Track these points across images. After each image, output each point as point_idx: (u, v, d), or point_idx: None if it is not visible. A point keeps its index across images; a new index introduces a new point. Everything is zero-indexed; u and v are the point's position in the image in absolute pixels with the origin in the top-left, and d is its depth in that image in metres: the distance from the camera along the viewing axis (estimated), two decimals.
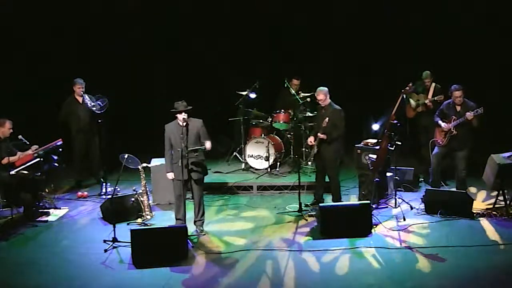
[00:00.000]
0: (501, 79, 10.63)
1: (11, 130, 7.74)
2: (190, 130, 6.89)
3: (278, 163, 9.51)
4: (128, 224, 7.42)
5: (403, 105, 8.94)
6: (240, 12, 11.57)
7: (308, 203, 8.05)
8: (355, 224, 6.88)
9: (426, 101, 8.85)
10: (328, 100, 7.71)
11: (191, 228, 7.06)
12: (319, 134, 7.66)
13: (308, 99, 9.62)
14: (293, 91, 9.69)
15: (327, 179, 7.98)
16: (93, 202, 8.51)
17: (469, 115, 7.67)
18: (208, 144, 6.93)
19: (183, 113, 6.80)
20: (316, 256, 6.34)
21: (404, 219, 7.36)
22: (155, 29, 11.67)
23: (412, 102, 9.10)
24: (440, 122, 8.05)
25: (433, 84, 8.99)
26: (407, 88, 7.91)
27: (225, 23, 11.65)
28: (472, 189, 8.46)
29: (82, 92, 8.94)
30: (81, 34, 11.30)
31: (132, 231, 6.32)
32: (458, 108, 7.94)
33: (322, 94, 7.68)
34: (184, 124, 6.83)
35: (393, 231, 7.01)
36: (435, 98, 8.65)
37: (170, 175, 7.03)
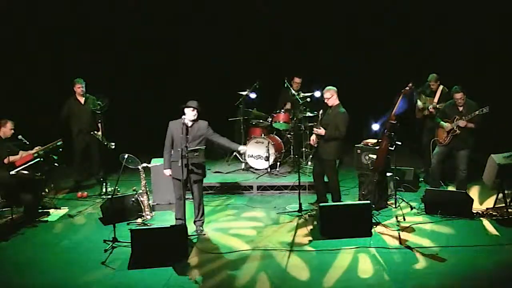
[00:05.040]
0: (501, 79, 10.64)
1: (13, 131, 7.74)
2: (194, 131, 6.87)
3: (278, 163, 9.51)
4: (128, 224, 7.42)
5: (412, 105, 8.95)
6: (240, 12, 11.59)
7: (311, 203, 8.08)
8: (355, 224, 6.87)
9: (430, 107, 8.85)
10: (337, 101, 7.64)
11: (191, 228, 7.06)
12: (315, 129, 7.65)
13: (308, 99, 9.63)
14: (293, 91, 9.69)
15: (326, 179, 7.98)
16: (93, 202, 8.52)
17: (462, 122, 7.74)
18: (240, 148, 7.30)
19: (192, 109, 6.77)
20: (316, 256, 6.35)
21: (404, 219, 7.36)
22: (155, 29, 11.67)
23: (419, 103, 9.09)
24: (442, 122, 8.07)
25: (441, 87, 8.95)
26: (407, 88, 7.91)
27: (225, 23, 11.66)
28: (472, 189, 8.47)
29: (82, 92, 8.95)
30: (81, 33, 11.31)
31: (132, 231, 6.31)
32: (461, 108, 7.95)
33: (328, 92, 7.62)
34: (189, 124, 6.82)
35: (393, 231, 7.01)
36: (438, 106, 8.68)
37: (168, 172, 7.02)
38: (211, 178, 8.94)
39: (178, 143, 6.80)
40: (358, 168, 8.13)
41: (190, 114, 6.81)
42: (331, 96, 7.61)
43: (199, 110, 6.83)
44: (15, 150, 7.69)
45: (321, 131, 7.57)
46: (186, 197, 7.12)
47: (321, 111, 7.86)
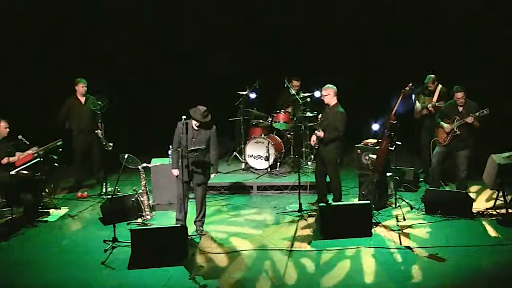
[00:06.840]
0: (501, 78, 10.64)
1: (8, 129, 7.70)
2: (201, 134, 6.86)
3: (278, 163, 9.50)
4: (128, 224, 7.42)
5: (411, 105, 8.96)
6: (240, 11, 11.59)
7: (311, 202, 8.09)
8: (355, 224, 6.87)
9: (429, 106, 8.86)
10: (334, 101, 7.64)
11: (191, 228, 7.06)
12: (316, 131, 7.66)
13: (308, 99, 9.63)
14: (293, 91, 9.69)
15: (327, 179, 7.98)
16: (93, 202, 8.52)
17: (470, 119, 7.71)
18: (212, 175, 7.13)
19: (196, 122, 6.78)
20: (316, 256, 6.35)
21: (404, 219, 7.36)
22: (155, 29, 11.67)
23: (418, 104, 9.09)
24: (442, 123, 8.07)
25: (439, 87, 8.96)
26: (407, 88, 7.91)
27: (225, 22, 11.66)
28: (473, 189, 8.47)
29: (85, 91, 8.95)
30: (82, 32, 11.31)
31: (132, 231, 6.31)
32: (460, 108, 7.95)
33: (326, 90, 7.62)
34: (196, 128, 6.83)
35: (393, 231, 7.01)
36: (437, 104, 8.69)
37: (176, 172, 7.02)
38: (211, 178, 8.91)
39: (185, 143, 6.80)
40: (358, 168, 8.13)
41: (194, 121, 6.81)
42: (327, 94, 7.61)
43: (202, 124, 6.80)
44: (13, 151, 7.67)
45: (320, 133, 7.58)
46: (188, 197, 7.12)
47: (320, 115, 7.86)
